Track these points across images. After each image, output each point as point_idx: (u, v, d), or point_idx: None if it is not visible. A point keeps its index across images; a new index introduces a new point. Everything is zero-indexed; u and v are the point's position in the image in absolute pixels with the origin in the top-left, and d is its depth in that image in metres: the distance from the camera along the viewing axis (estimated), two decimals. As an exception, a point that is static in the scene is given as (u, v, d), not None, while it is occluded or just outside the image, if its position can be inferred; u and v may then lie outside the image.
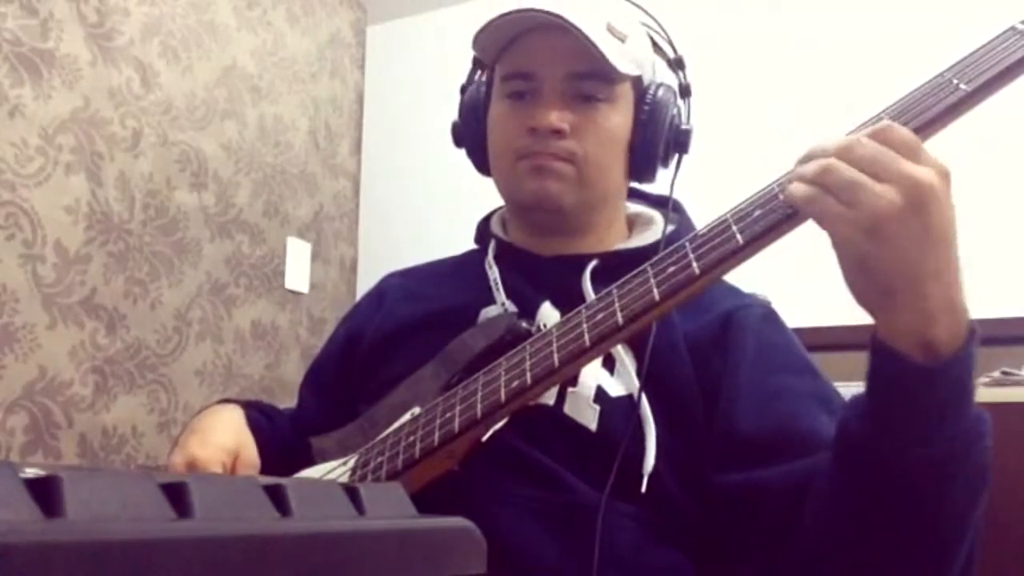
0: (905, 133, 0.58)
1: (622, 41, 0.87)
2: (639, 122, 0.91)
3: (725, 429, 0.79)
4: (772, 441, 0.76)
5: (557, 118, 0.86)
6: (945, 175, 0.57)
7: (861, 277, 0.59)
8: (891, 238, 0.55)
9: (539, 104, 0.87)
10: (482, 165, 0.98)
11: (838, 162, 0.57)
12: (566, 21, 0.83)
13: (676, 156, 0.94)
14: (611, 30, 0.87)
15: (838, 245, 0.59)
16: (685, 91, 0.95)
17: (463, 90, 0.99)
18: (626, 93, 0.90)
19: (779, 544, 0.72)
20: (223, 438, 0.86)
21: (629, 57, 0.88)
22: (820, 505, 0.68)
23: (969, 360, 0.59)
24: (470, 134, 0.97)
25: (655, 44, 0.96)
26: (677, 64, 0.96)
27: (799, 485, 0.70)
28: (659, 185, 0.97)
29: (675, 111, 0.93)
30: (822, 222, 0.59)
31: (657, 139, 0.91)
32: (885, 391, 0.61)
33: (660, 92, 0.91)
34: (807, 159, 0.60)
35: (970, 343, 0.59)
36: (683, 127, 0.93)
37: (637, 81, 0.91)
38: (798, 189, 0.59)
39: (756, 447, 0.76)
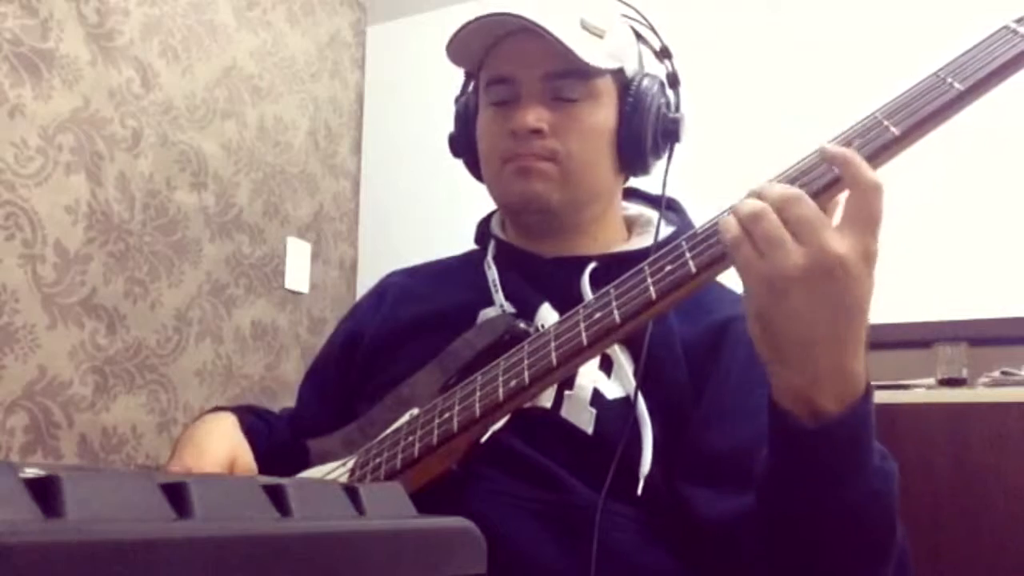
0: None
1: (599, 36, 0.87)
2: (624, 115, 0.90)
3: (698, 438, 0.80)
4: (737, 465, 0.75)
5: (534, 118, 0.86)
6: (867, 256, 0.58)
7: (758, 328, 0.61)
8: (788, 299, 0.58)
9: (518, 107, 0.88)
10: (479, 174, 0.98)
11: (770, 212, 0.59)
12: (531, 23, 0.83)
13: (668, 146, 0.93)
14: (585, 27, 0.86)
15: (744, 291, 0.61)
16: (673, 80, 0.94)
17: (457, 101, 1.00)
18: (608, 88, 0.90)
19: (728, 566, 0.75)
20: (218, 447, 0.86)
21: (606, 52, 0.87)
22: (749, 535, 0.71)
23: (858, 424, 0.61)
24: (464, 144, 0.98)
25: (639, 35, 0.95)
26: (663, 53, 0.95)
27: (747, 517, 0.72)
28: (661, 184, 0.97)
29: (663, 100, 0.92)
30: (736, 267, 0.61)
31: (643, 129, 0.90)
32: (777, 446, 0.65)
33: (644, 83, 0.90)
34: (754, 195, 0.62)
35: (860, 408, 0.60)
36: (672, 115, 0.92)
37: (619, 75, 0.90)
38: (730, 227, 0.61)
39: (719, 467, 0.77)
